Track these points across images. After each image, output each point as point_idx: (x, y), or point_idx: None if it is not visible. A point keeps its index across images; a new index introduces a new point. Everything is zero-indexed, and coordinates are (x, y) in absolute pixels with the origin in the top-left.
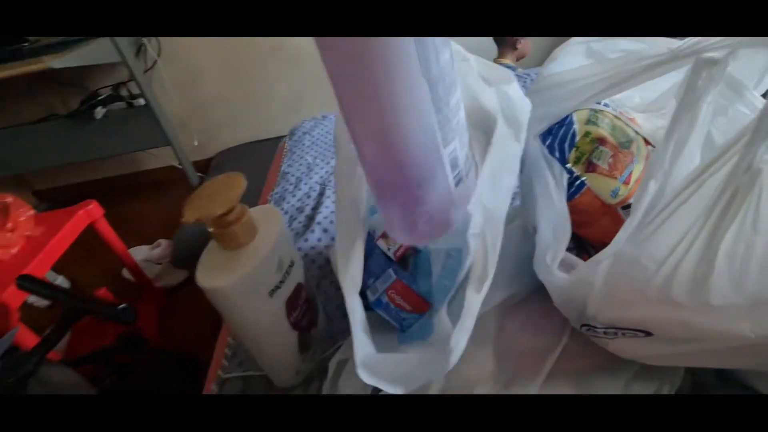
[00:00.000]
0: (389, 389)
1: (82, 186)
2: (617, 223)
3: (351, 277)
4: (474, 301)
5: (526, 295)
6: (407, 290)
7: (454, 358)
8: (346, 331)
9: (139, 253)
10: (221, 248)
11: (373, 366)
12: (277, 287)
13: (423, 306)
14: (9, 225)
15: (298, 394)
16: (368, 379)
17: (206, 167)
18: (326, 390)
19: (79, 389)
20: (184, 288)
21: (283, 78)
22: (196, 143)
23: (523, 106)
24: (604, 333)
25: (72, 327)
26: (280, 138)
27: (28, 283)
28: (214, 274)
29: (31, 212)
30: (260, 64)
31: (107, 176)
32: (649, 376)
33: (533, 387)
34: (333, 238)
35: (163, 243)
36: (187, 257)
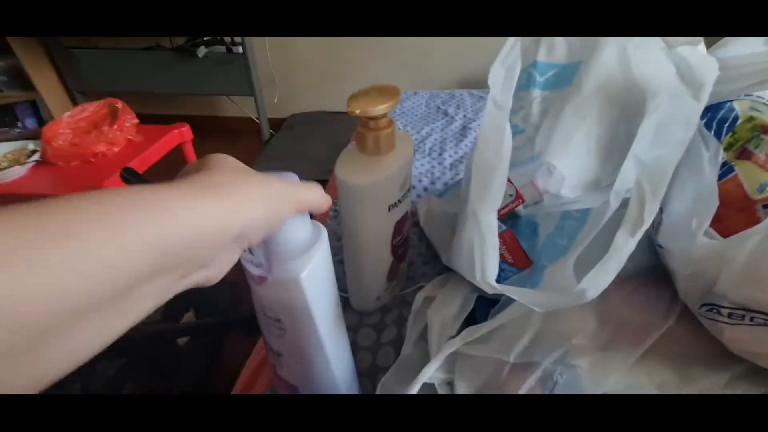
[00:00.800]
0: (525, 301)
1: (166, 118)
2: (750, 224)
3: (491, 197)
4: (625, 244)
5: (630, 274)
6: (515, 242)
7: (591, 293)
8: (426, 274)
9: None
10: (361, 152)
11: (501, 288)
12: (396, 204)
13: (525, 262)
14: (116, 126)
15: (304, 395)
16: (501, 288)
17: (278, 126)
18: (410, 321)
19: None
20: None
21: (374, 56)
22: (276, 100)
23: (706, 67)
24: (729, 315)
25: None
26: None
27: (131, 175)
28: (354, 173)
29: (135, 121)
30: (355, 40)
31: (189, 114)
32: (757, 380)
33: (630, 358)
34: (419, 195)
35: None
36: None
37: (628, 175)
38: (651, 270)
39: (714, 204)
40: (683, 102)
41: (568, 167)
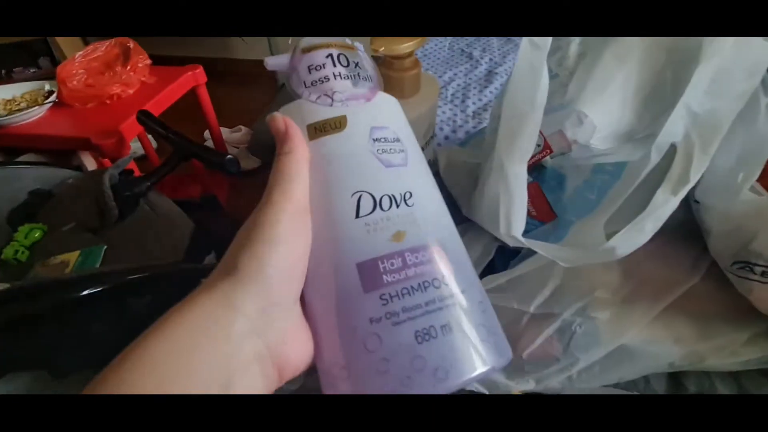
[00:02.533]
0: (551, 256)
1: (177, 60)
2: None
3: (520, 148)
4: (665, 203)
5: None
6: (540, 195)
7: (621, 252)
8: None
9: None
10: None
11: (529, 242)
12: None
13: (549, 215)
14: (129, 67)
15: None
16: (527, 242)
17: None
18: None
19: (180, 218)
20: (253, 175)
21: None
22: (290, 41)
23: None
24: (762, 274)
25: (178, 166)
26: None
27: (147, 118)
28: None
29: (148, 61)
30: None
31: (201, 56)
32: None
33: (651, 312)
34: (439, 144)
35: (244, 129)
36: (262, 146)
37: (674, 128)
38: (680, 225)
39: (764, 157)
40: (751, 45)
41: (601, 116)
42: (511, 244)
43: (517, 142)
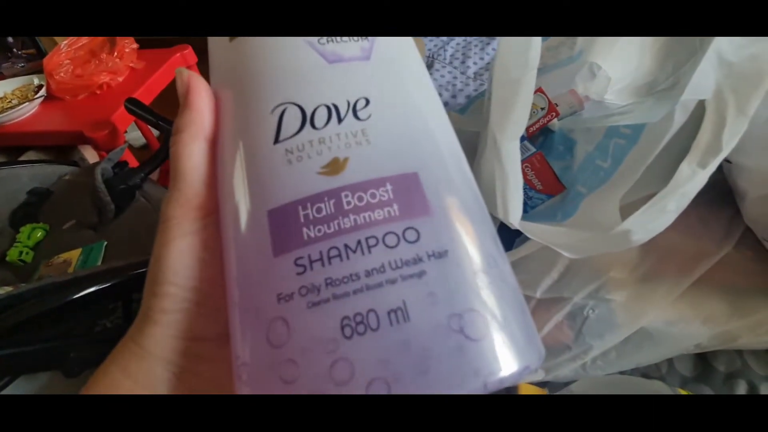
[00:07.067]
0: (556, 246)
1: (166, 40)
2: None
3: (514, 121)
4: (692, 177)
5: None
6: (545, 166)
7: (639, 237)
8: None
9: None
10: None
11: (528, 228)
12: None
13: (556, 187)
14: (116, 53)
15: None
16: (526, 230)
17: None
18: None
19: None
20: None
21: None
22: None
23: None
24: None
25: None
26: None
27: (136, 106)
28: None
29: (135, 45)
30: None
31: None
32: None
33: (675, 290)
34: None
35: None
36: None
37: (703, 82)
38: (709, 187)
39: None
40: None
41: (616, 67)
42: (512, 227)
43: (511, 115)
